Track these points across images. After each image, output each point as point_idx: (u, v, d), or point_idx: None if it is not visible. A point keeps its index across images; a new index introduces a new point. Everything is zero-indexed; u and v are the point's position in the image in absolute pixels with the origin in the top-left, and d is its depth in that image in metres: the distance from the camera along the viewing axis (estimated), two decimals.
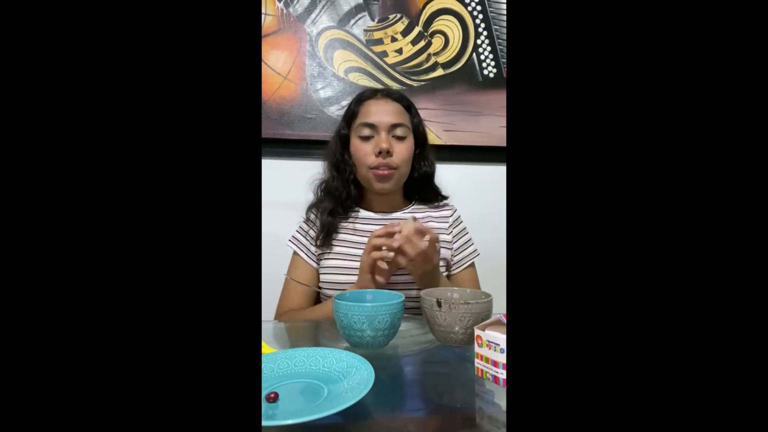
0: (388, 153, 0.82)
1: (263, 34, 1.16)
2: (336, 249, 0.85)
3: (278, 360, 0.48)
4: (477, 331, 0.47)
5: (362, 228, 0.87)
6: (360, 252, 0.80)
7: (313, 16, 1.18)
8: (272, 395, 0.40)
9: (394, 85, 1.21)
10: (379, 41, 1.21)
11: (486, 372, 0.46)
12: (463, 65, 1.25)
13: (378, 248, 0.71)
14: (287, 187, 0.99)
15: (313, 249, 0.87)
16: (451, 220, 0.90)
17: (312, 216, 0.88)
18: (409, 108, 0.89)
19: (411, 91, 1.22)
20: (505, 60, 1.26)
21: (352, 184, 0.87)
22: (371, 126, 0.83)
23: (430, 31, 1.23)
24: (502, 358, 0.44)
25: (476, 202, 1.09)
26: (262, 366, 0.45)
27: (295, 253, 0.87)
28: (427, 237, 0.69)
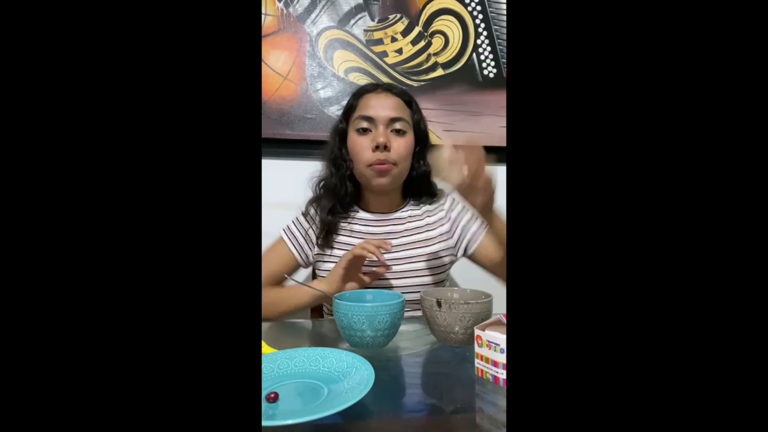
0: (386, 148, 0.78)
1: (263, 34, 1.16)
2: (331, 251, 0.84)
3: (278, 360, 0.48)
4: (477, 331, 0.47)
5: (359, 230, 0.85)
6: None
7: (313, 16, 1.18)
8: (272, 395, 0.40)
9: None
10: (379, 41, 1.21)
11: (486, 372, 0.46)
12: (463, 65, 1.25)
13: (364, 254, 0.71)
14: (287, 188, 0.99)
15: (305, 246, 0.85)
16: (446, 206, 0.88)
17: (312, 211, 0.86)
18: (410, 103, 0.86)
19: (411, 91, 1.21)
20: (505, 60, 1.26)
21: (349, 180, 0.84)
22: (369, 119, 0.79)
23: (430, 31, 1.23)
24: (502, 358, 0.44)
25: None
26: (262, 366, 0.45)
27: (281, 239, 0.86)
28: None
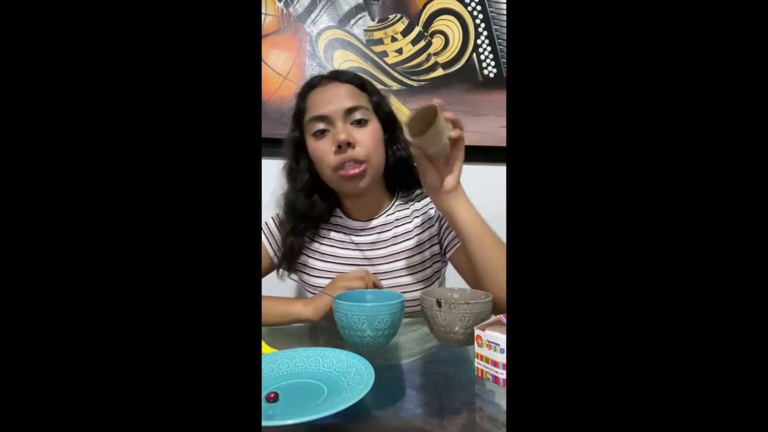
0: (350, 145, 0.67)
1: (263, 34, 1.16)
2: (315, 264, 0.77)
3: (278, 360, 0.48)
4: (477, 331, 0.47)
5: (341, 239, 0.78)
6: (341, 266, 0.74)
7: (313, 16, 1.18)
8: (272, 395, 0.40)
9: (395, 85, 1.21)
10: (379, 41, 1.21)
11: (486, 372, 0.46)
12: (463, 65, 1.25)
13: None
14: (281, 186, 0.99)
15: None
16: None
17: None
18: (364, 86, 0.73)
19: (411, 91, 1.22)
20: (505, 60, 1.26)
21: (310, 194, 0.74)
22: (323, 118, 0.68)
23: (430, 31, 1.23)
24: (502, 358, 0.44)
25: (476, 202, 1.07)
26: (262, 366, 0.45)
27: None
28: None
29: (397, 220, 0.78)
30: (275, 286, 0.83)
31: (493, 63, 1.26)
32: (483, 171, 1.27)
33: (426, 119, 0.57)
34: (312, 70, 1.18)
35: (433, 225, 0.79)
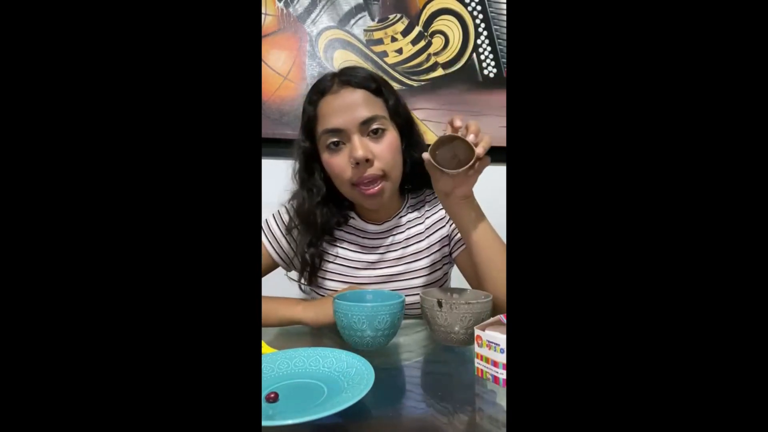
0: (368, 161, 0.64)
1: (263, 34, 1.16)
2: (326, 266, 0.75)
3: (278, 360, 0.48)
4: (477, 331, 0.47)
5: (356, 241, 0.77)
6: (352, 269, 0.73)
7: (313, 16, 1.18)
8: (272, 395, 0.40)
9: (395, 85, 1.20)
10: (379, 41, 1.21)
11: (486, 372, 0.46)
12: (463, 65, 1.25)
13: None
14: (287, 188, 0.99)
15: (284, 244, 0.76)
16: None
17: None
18: (380, 90, 0.68)
19: (411, 91, 1.22)
20: (505, 60, 1.26)
21: (327, 205, 0.71)
22: (337, 132, 0.65)
23: (430, 31, 1.23)
24: (502, 358, 0.44)
25: None
26: (262, 366, 0.45)
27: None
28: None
29: (409, 222, 0.77)
30: (275, 285, 0.83)
31: (493, 63, 1.26)
32: (483, 171, 1.26)
33: (450, 144, 0.61)
34: (312, 70, 1.18)
35: (443, 226, 0.78)
